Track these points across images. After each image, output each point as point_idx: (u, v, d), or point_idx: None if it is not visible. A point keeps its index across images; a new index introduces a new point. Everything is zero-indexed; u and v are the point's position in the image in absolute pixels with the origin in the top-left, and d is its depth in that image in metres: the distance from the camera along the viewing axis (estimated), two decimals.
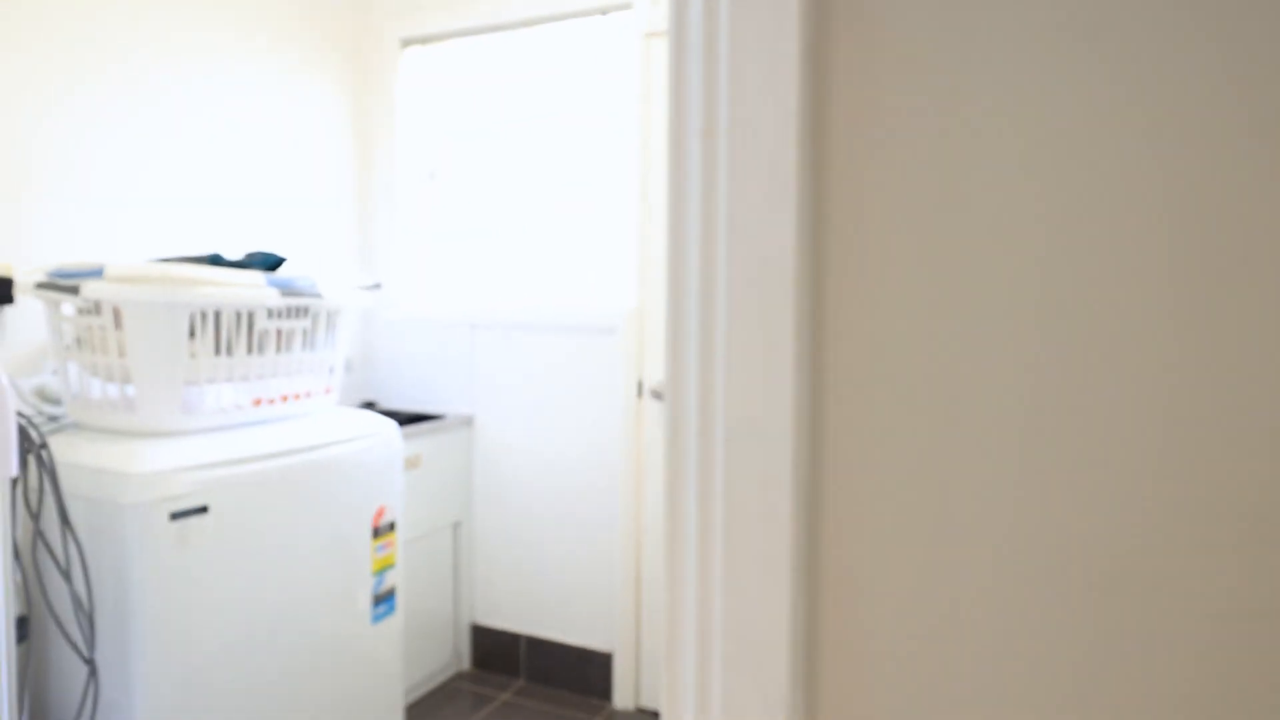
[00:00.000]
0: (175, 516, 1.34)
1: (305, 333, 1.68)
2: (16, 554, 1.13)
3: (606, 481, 2.27)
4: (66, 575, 1.17)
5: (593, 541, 2.30)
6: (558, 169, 2.39)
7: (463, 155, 2.54)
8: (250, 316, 1.55)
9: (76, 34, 1.74)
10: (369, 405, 2.57)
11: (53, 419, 1.52)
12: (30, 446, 1.12)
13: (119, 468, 1.31)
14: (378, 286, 1.90)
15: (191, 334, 1.45)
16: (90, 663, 1.17)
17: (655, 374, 2.21)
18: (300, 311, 1.66)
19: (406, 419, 2.37)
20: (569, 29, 2.31)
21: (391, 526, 1.83)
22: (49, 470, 1.14)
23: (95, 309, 1.40)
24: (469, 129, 2.52)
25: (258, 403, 1.61)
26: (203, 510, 1.38)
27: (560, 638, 2.36)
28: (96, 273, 1.36)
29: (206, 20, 2.04)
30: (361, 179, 2.58)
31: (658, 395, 2.19)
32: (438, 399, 2.51)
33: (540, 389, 2.35)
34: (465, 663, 2.47)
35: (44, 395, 1.54)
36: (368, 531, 1.75)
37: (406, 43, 2.50)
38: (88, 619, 1.18)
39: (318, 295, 1.66)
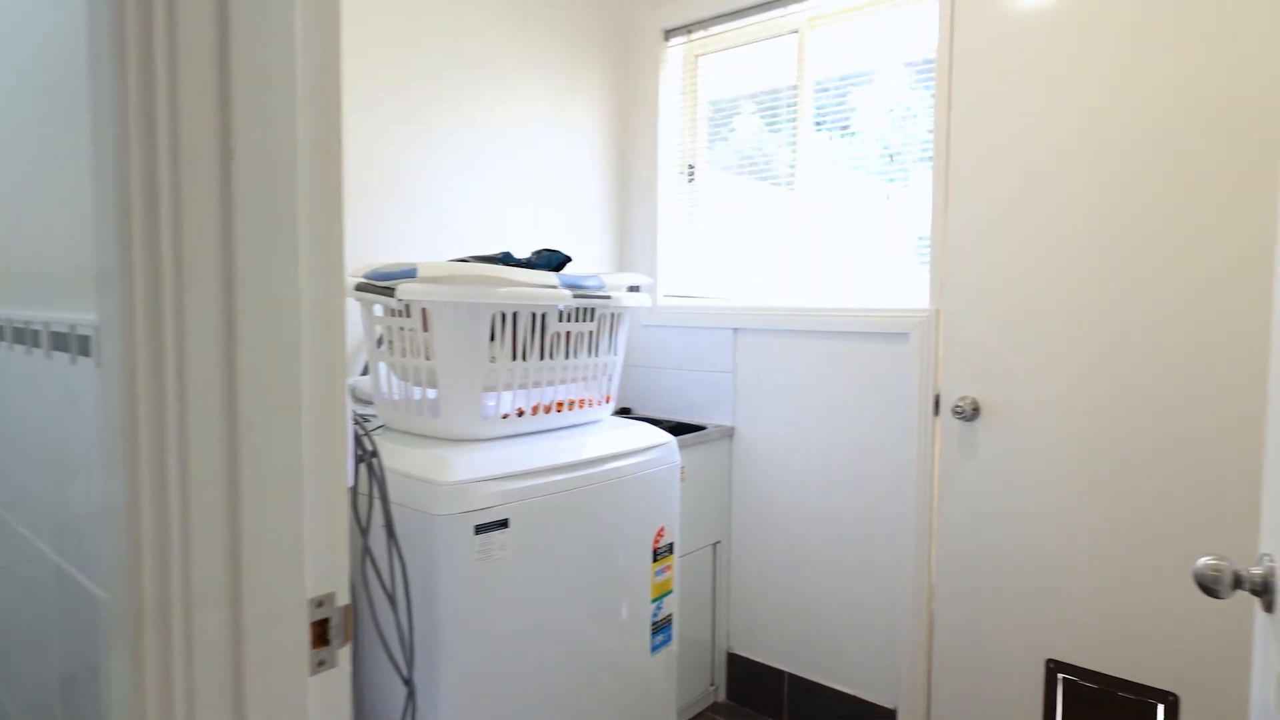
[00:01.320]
0: (480, 530, 1.27)
1: (590, 336, 1.58)
2: None
3: (892, 511, 1.97)
4: (391, 598, 1.12)
5: (873, 577, 2.00)
6: (832, 155, 2.13)
7: (725, 148, 2.36)
8: (543, 319, 1.46)
9: (368, 42, 1.79)
10: (623, 413, 2.47)
11: (362, 420, 1.54)
12: (362, 455, 1.08)
13: (429, 475, 1.26)
14: (636, 288, 1.76)
15: (490, 337, 1.39)
16: (409, 683, 1.11)
17: (955, 388, 1.87)
18: (586, 314, 1.55)
19: (668, 429, 2.23)
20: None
21: (670, 549, 1.68)
22: (379, 480, 1.09)
23: (405, 310, 1.37)
24: (730, 119, 2.34)
25: (547, 410, 1.52)
26: (504, 524, 1.30)
27: (830, 682, 2.09)
28: (410, 273, 1.33)
29: (485, 18, 2.04)
30: (619, 175, 2.50)
31: (959, 413, 1.84)
32: (695, 408, 2.35)
33: (812, 401, 2.10)
34: (721, 693, 2.29)
35: (355, 396, 1.56)
36: (648, 553, 1.61)
37: (669, 33, 2.38)
38: (408, 636, 1.12)
39: (606, 296, 1.54)
